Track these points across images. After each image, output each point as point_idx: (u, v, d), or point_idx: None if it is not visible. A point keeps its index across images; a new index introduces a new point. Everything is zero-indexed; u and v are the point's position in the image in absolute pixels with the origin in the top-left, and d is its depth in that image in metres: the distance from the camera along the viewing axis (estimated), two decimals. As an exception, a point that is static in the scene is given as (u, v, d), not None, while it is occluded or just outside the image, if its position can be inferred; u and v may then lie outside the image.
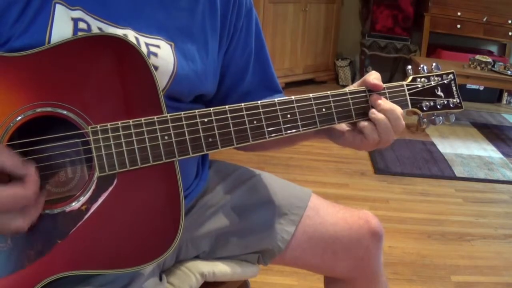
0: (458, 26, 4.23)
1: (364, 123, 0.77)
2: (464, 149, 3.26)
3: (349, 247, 0.93)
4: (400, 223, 2.24)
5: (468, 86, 4.26)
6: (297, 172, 2.72)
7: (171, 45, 0.76)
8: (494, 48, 4.75)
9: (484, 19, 4.18)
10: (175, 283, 0.86)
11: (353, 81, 4.62)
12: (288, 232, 0.91)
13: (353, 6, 4.79)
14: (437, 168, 2.90)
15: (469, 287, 1.81)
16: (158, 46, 0.74)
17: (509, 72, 3.37)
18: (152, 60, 0.72)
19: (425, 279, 1.84)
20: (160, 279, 0.84)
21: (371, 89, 0.79)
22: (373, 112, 0.77)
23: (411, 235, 2.15)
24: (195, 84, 0.80)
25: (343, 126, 0.82)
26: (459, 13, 4.19)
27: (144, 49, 0.72)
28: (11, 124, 0.63)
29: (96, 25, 0.70)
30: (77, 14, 0.69)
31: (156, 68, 0.71)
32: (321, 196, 0.99)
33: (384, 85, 0.80)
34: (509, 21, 4.16)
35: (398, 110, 0.78)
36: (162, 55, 0.74)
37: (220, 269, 0.91)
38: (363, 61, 4.55)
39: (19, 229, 0.60)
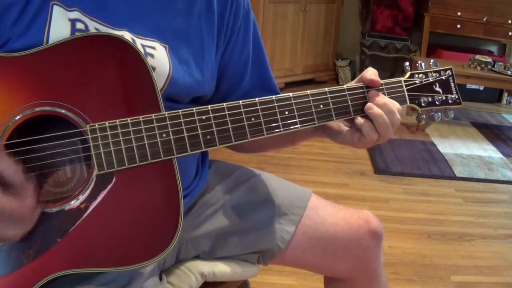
0: (458, 26, 4.23)
1: (360, 121, 0.77)
2: (464, 149, 3.26)
3: (349, 247, 0.93)
4: (400, 223, 2.24)
5: (468, 86, 4.26)
6: (297, 172, 2.72)
7: (165, 48, 0.76)
8: (494, 48, 4.75)
9: (484, 19, 4.18)
10: (175, 283, 0.86)
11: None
12: (288, 232, 0.91)
13: (353, 6, 4.79)
14: (437, 168, 2.90)
15: (469, 287, 1.81)
16: (153, 48, 0.74)
17: (509, 72, 3.37)
18: (149, 61, 0.72)
19: (425, 279, 1.83)
20: (160, 279, 0.83)
21: (368, 85, 0.79)
22: (370, 107, 0.77)
23: (411, 235, 2.15)
24: (191, 87, 0.80)
25: (341, 125, 0.81)
26: (459, 13, 4.19)
27: (140, 49, 0.72)
28: (10, 124, 0.63)
29: (94, 26, 0.70)
30: (75, 15, 0.69)
31: (153, 68, 0.71)
32: (321, 196, 0.99)
33: (382, 81, 0.80)
34: (509, 21, 4.16)
35: (393, 104, 0.78)
36: (158, 56, 0.74)
37: (220, 269, 0.90)
38: (363, 61, 4.55)
39: (11, 239, 0.61)
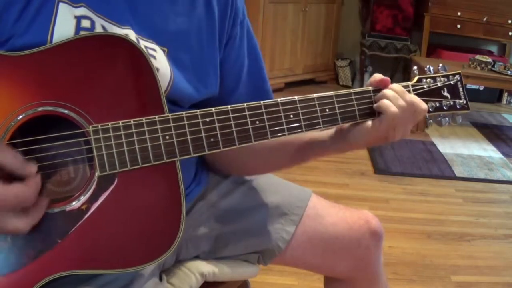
0: (458, 26, 4.23)
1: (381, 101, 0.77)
2: (464, 149, 3.26)
3: (349, 247, 0.93)
4: (400, 223, 2.24)
5: (468, 86, 4.25)
6: (297, 172, 2.72)
7: (164, 51, 0.76)
8: (494, 48, 4.75)
9: (484, 19, 4.18)
10: (175, 283, 0.86)
11: (353, 81, 4.63)
12: (288, 232, 0.91)
13: (353, 6, 4.79)
14: (437, 168, 2.90)
15: (469, 287, 1.81)
16: (154, 50, 0.74)
17: (509, 72, 3.37)
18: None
19: (425, 279, 1.84)
20: (160, 279, 0.84)
21: (379, 87, 0.79)
22: (384, 94, 0.77)
23: (411, 235, 2.15)
24: (190, 94, 0.79)
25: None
26: (459, 13, 4.19)
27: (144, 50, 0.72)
28: (12, 123, 0.63)
29: (100, 23, 0.69)
30: (81, 11, 0.68)
31: (157, 70, 0.71)
32: (321, 196, 0.99)
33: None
34: (509, 21, 4.16)
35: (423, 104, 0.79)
36: (159, 59, 0.74)
37: (220, 269, 0.91)
38: (363, 61, 4.55)
39: (18, 230, 0.60)
